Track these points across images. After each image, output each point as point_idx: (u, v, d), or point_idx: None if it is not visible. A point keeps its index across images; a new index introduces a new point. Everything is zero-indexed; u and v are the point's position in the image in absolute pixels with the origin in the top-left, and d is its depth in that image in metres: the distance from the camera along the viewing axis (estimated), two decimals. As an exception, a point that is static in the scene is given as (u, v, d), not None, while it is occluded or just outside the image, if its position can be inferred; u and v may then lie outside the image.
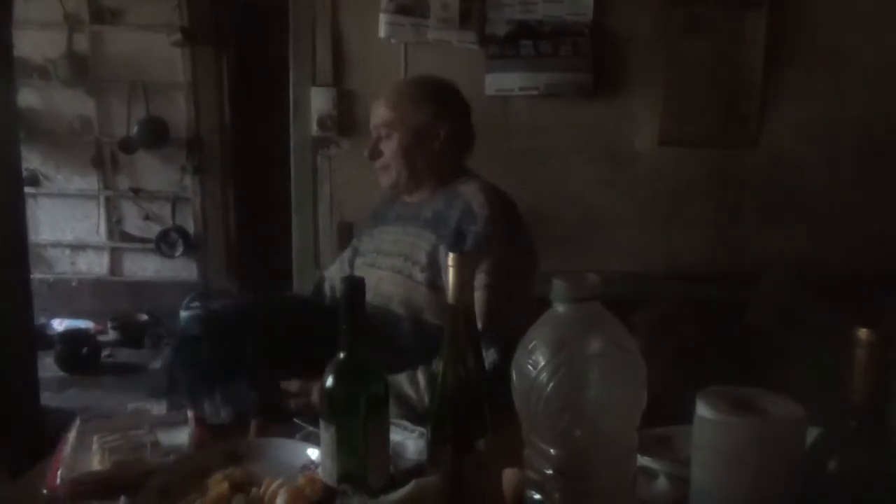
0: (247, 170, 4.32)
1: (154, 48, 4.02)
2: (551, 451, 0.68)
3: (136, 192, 4.24)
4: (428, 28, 2.33)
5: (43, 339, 3.53)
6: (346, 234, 2.47)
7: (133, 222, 4.30)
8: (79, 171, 4.23)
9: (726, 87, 2.35)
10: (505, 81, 2.37)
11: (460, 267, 0.76)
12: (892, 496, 0.68)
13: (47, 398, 2.90)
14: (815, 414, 0.74)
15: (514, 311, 1.25)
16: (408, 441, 1.03)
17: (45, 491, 0.95)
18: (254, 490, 0.89)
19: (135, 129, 4.08)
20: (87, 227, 4.30)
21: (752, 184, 2.42)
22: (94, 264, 4.35)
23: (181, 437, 1.08)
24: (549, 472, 0.69)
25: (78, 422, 1.11)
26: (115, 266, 4.35)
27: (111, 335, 4.05)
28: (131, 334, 4.03)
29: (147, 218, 4.28)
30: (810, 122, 2.36)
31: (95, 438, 1.04)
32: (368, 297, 1.43)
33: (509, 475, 0.83)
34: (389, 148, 1.47)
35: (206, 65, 4.11)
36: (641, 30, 2.36)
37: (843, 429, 0.71)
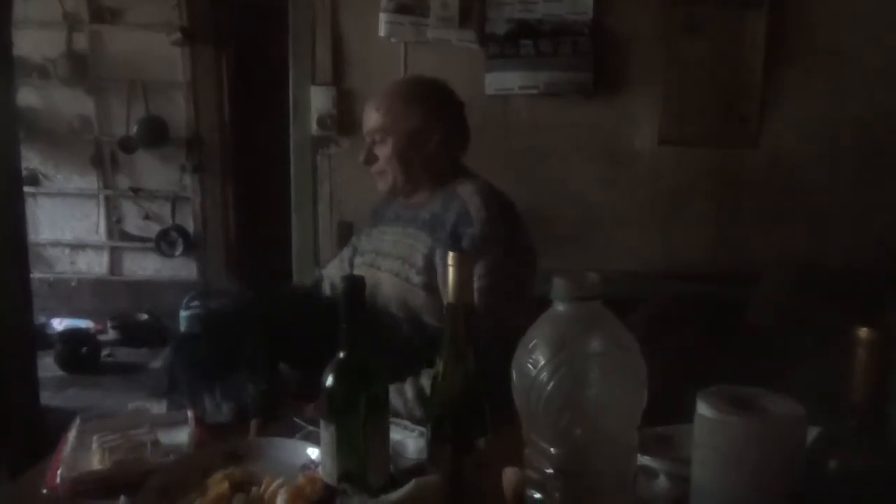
0: (246, 169, 4.32)
1: (154, 47, 4.02)
2: (551, 449, 0.68)
3: (136, 192, 4.24)
4: (428, 27, 2.33)
5: (43, 339, 3.53)
6: (345, 234, 2.47)
7: (133, 222, 4.30)
8: (78, 171, 4.23)
9: (726, 86, 2.35)
10: (505, 80, 2.37)
11: (460, 266, 0.76)
12: (893, 496, 0.68)
13: (47, 398, 2.90)
14: (815, 414, 0.74)
15: (512, 312, 1.25)
16: (408, 440, 1.03)
17: (44, 490, 0.95)
18: (254, 489, 0.89)
19: (134, 129, 4.08)
20: (87, 226, 4.30)
21: (752, 184, 2.42)
22: (94, 264, 4.35)
23: (181, 436, 1.08)
24: (550, 470, 0.69)
25: (78, 421, 1.11)
26: (114, 265, 4.35)
27: (111, 335, 4.05)
28: (131, 334, 4.03)
29: (147, 217, 4.28)
30: (810, 122, 2.36)
31: (95, 438, 1.04)
32: (369, 301, 1.44)
33: (509, 474, 0.83)
34: (384, 153, 1.46)
35: (206, 64, 4.11)
36: (641, 29, 2.36)
37: (843, 428, 0.71)
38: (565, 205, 2.44)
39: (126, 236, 4.32)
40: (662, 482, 0.89)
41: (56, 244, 4.32)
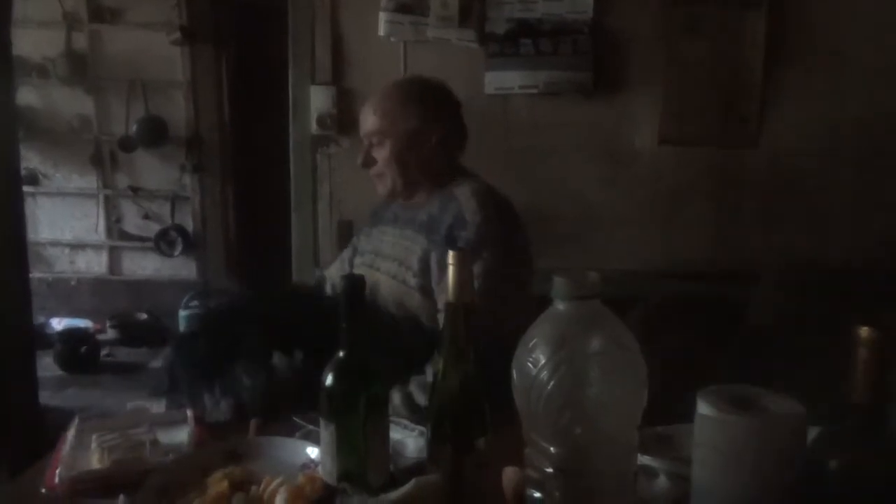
0: (246, 168, 4.32)
1: (153, 47, 4.02)
2: (551, 449, 0.68)
3: (136, 191, 4.24)
4: (427, 26, 2.33)
5: (42, 339, 3.53)
6: (345, 233, 2.47)
7: (132, 221, 4.30)
8: (78, 170, 4.22)
9: (726, 86, 2.35)
10: (505, 80, 2.37)
11: (460, 265, 0.75)
12: (893, 495, 0.68)
13: (46, 397, 2.90)
14: (815, 413, 0.74)
15: (508, 314, 1.24)
16: (408, 439, 1.03)
17: (43, 490, 0.94)
18: (253, 489, 0.89)
19: (134, 128, 4.08)
20: (87, 225, 4.29)
21: (751, 183, 2.42)
22: (94, 263, 4.35)
23: (180, 435, 1.08)
24: (550, 470, 0.69)
25: (77, 421, 1.11)
26: (114, 265, 4.35)
27: (110, 334, 4.05)
28: (130, 333, 4.03)
29: (146, 217, 4.27)
30: (810, 121, 2.36)
31: (94, 437, 1.04)
32: (369, 301, 1.43)
33: (509, 473, 0.83)
34: (382, 156, 1.46)
35: (206, 63, 4.10)
36: (641, 29, 2.36)
37: (843, 428, 0.71)
38: (565, 204, 2.44)
39: (125, 236, 4.32)
40: (662, 482, 0.89)
41: (55, 244, 4.32)
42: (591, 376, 0.67)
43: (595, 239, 2.44)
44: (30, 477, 0.99)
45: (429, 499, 0.74)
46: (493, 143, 2.34)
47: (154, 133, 4.08)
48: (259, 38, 4.04)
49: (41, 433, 2.44)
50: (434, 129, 1.46)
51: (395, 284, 1.43)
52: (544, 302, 0.72)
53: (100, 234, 4.30)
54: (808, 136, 2.37)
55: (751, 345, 1.92)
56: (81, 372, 3.63)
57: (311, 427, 1.05)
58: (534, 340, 0.69)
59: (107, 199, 4.27)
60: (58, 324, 4.03)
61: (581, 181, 2.44)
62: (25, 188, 3.28)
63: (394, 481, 0.83)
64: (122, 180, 4.25)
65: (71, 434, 1.07)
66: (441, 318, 1.34)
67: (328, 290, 1.62)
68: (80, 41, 4.07)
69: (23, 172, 2.96)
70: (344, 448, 0.83)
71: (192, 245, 4.26)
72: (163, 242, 4.24)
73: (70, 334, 3.81)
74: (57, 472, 0.96)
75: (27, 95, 4.01)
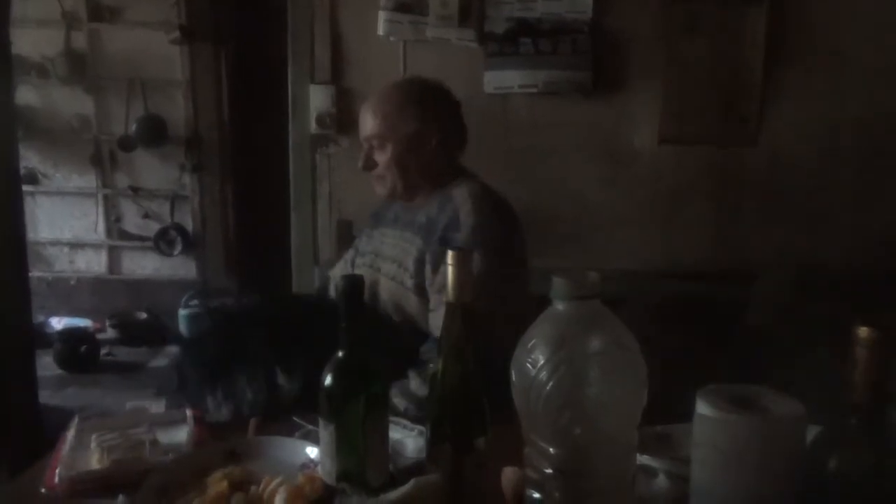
0: (246, 168, 4.31)
1: (152, 46, 4.01)
2: (551, 449, 0.68)
3: (135, 191, 4.24)
4: (427, 26, 2.33)
5: (42, 338, 3.52)
6: (344, 232, 2.47)
7: (132, 220, 4.30)
8: (77, 170, 4.22)
9: (726, 86, 2.35)
10: (504, 79, 2.37)
11: (459, 264, 0.75)
12: (893, 494, 0.68)
13: (46, 397, 2.89)
14: (815, 413, 0.74)
15: (502, 315, 1.24)
16: (407, 439, 1.03)
17: (43, 489, 0.94)
18: (253, 488, 0.89)
19: (133, 127, 4.07)
20: (86, 225, 4.29)
21: (751, 183, 2.42)
22: (93, 262, 4.35)
23: (180, 435, 1.08)
24: (549, 470, 0.69)
25: (76, 420, 1.11)
26: (113, 264, 4.35)
27: (110, 333, 4.04)
28: (130, 332, 4.03)
29: (146, 216, 4.27)
30: (810, 121, 2.36)
31: (94, 437, 1.04)
32: (368, 301, 1.44)
33: (509, 474, 0.83)
34: (383, 159, 1.45)
35: (205, 62, 4.10)
36: (641, 28, 2.35)
37: (843, 427, 0.71)
38: (565, 204, 2.44)
39: (125, 235, 4.31)
40: (662, 481, 0.89)
41: (55, 243, 4.32)
42: (590, 376, 0.67)
43: (595, 239, 2.44)
44: (29, 476, 0.99)
45: (428, 499, 0.74)
46: (493, 143, 2.34)
47: (153, 132, 4.08)
48: (258, 37, 4.04)
49: (41, 433, 2.44)
50: (434, 131, 1.45)
51: (394, 286, 1.43)
52: (544, 302, 0.72)
53: (99, 234, 4.29)
54: (808, 136, 2.37)
55: (750, 344, 1.92)
56: (81, 371, 3.63)
57: (310, 427, 1.05)
58: (533, 341, 0.69)
59: (106, 198, 4.26)
60: (57, 323, 4.03)
61: (581, 181, 2.44)
62: (25, 187, 3.27)
63: (393, 481, 0.83)
64: (122, 180, 4.24)
65: (70, 434, 1.08)
66: (432, 317, 1.34)
67: (332, 290, 1.62)
68: (80, 40, 4.06)
69: (22, 172, 2.96)
70: (343, 448, 0.83)
71: (191, 244, 4.26)
72: (162, 242, 4.24)
73: (70, 333, 3.81)
74: (56, 471, 0.96)
75: (26, 95, 4.00)
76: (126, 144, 4.09)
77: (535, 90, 2.36)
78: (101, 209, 4.27)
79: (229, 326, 1.34)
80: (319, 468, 0.88)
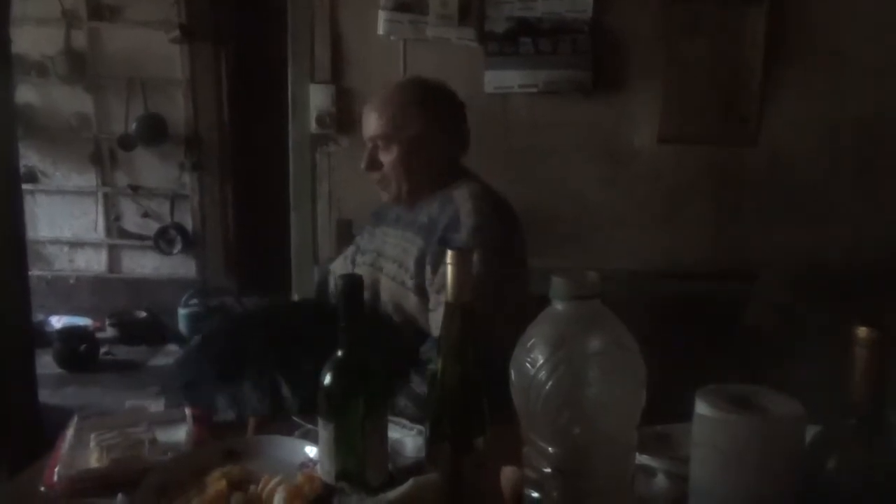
0: (245, 167, 4.32)
1: (152, 45, 4.01)
2: (550, 449, 0.68)
3: (135, 190, 4.24)
4: (427, 25, 2.33)
5: (41, 337, 3.53)
6: (344, 231, 2.47)
7: (131, 219, 4.30)
8: (77, 168, 4.22)
9: (726, 85, 2.35)
10: (504, 79, 2.36)
11: (459, 264, 0.75)
12: (892, 494, 0.68)
13: (46, 396, 2.89)
14: (814, 412, 0.74)
15: (502, 316, 1.24)
16: (406, 439, 1.03)
17: (42, 488, 0.94)
18: (252, 488, 0.89)
19: (133, 126, 4.08)
20: (86, 224, 4.29)
21: (751, 183, 2.42)
22: (93, 261, 4.35)
23: (179, 434, 1.08)
24: (548, 470, 0.68)
25: (75, 419, 1.11)
26: (113, 263, 4.35)
27: (109, 332, 4.04)
28: (130, 331, 4.03)
29: (145, 215, 4.27)
30: (810, 121, 2.36)
31: (93, 436, 1.04)
32: (367, 298, 1.44)
33: (508, 473, 0.83)
34: (388, 160, 1.45)
35: (205, 62, 4.10)
36: (641, 28, 2.35)
37: (842, 427, 0.71)
38: (565, 204, 2.44)
39: (125, 234, 4.31)
40: (661, 481, 0.89)
41: (55, 242, 4.32)
42: (589, 376, 0.67)
43: (594, 238, 2.43)
44: (29, 475, 0.99)
45: (427, 498, 0.74)
46: (493, 143, 2.34)
47: (153, 131, 4.08)
48: (258, 36, 4.04)
49: (40, 432, 2.44)
50: (440, 132, 1.45)
51: (394, 286, 1.43)
52: (544, 302, 0.72)
53: (99, 233, 4.29)
54: (808, 136, 2.37)
55: (750, 344, 1.92)
56: (80, 370, 3.63)
57: (309, 426, 1.05)
58: (532, 340, 0.69)
59: (106, 197, 4.26)
60: (57, 322, 4.03)
61: (580, 181, 2.44)
62: (24, 186, 3.27)
63: (392, 480, 0.83)
64: (122, 178, 4.25)
65: (70, 433, 1.08)
66: (432, 316, 1.34)
67: (332, 285, 1.62)
68: (80, 39, 4.07)
69: (22, 170, 2.96)
70: (342, 447, 0.83)
71: (191, 243, 4.26)
72: (162, 241, 4.24)
73: (69, 332, 3.81)
74: (56, 470, 0.96)
75: (26, 93, 4.00)
76: (126, 143, 4.09)
77: (535, 90, 2.36)
78: (100, 208, 4.27)
79: (236, 330, 1.34)
80: (318, 467, 0.88)
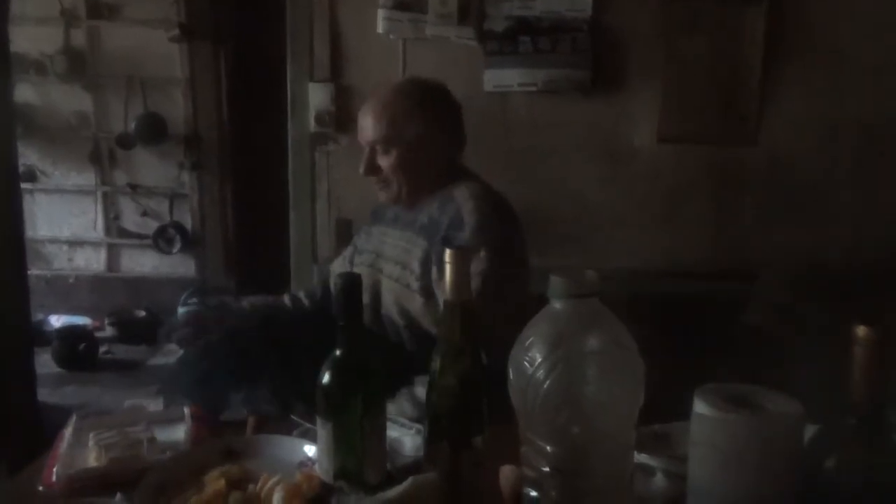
0: (245, 166, 4.31)
1: (152, 44, 4.01)
2: (548, 448, 0.68)
3: (134, 189, 4.23)
4: (426, 24, 2.32)
5: (40, 336, 3.52)
6: (344, 230, 2.47)
7: (131, 218, 4.29)
8: (76, 167, 4.21)
9: (725, 84, 2.35)
10: (503, 77, 2.36)
11: (457, 263, 0.75)
12: (891, 493, 0.68)
13: (45, 395, 2.89)
14: (813, 412, 0.74)
15: (507, 314, 1.24)
16: (405, 438, 1.02)
17: (41, 487, 0.94)
18: (250, 487, 0.89)
19: (132, 125, 4.07)
20: (85, 223, 4.29)
21: (751, 181, 2.42)
22: (92, 260, 4.34)
23: (178, 433, 1.08)
24: (546, 469, 0.68)
25: (74, 418, 1.11)
26: (112, 262, 4.34)
27: (109, 331, 4.04)
28: (129, 330, 4.03)
29: (145, 214, 4.26)
30: (809, 119, 2.36)
31: (92, 435, 1.04)
32: (367, 300, 1.44)
33: (507, 472, 0.83)
34: (388, 163, 1.44)
35: (204, 61, 4.09)
36: (640, 26, 2.35)
37: (841, 426, 0.71)
38: (565, 203, 2.44)
39: (124, 233, 4.31)
40: (659, 480, 0.89)
41: (54, 241, 4.31)
42: (588, 375, 0.67)
43: (594, 238, 2.43)
44: (28, 475, 0.99)
45: (426, 497, 0.74)
46: (493, 142, 2.34)
47: (153, 130, 4.07)
48: (258, 35, 4.03)
49: (40, 431, 2.44)
50: (439, 133, 1.45)
51: (398, 287, 1.43)
52: (543, 301, 0.72)
53: (98, 232, 4.29)
54: (808, 134, 2.37)
55: (749, 344, 1.92)
56: (80, 369, 3.62)
57: (308, 425, 1.05)
58: (530, 339, 0.69)
59: (105, 196, 4.26)
60: (56, 321, 4.02)
61: (580, 180, 2.44)
62: (23, 185, 3.27)
63: (391, 479, 0.83)
64: (121, 177, 4.24)
65: (68, 432, 1.07)
66: None
67: (332, 286, 1.62)
68: (79, 38, 4.06)
69: (21, 169, 2.96)
70: (341, 446, 0.83)
71: (190, 242, 4.25)
72: (161, 240, 4.23)
73: (68, 331, 3.80)
74: (54, 469, 0.96)
75: (25, 92, 3.99)
76: (125, 142, 4.09)
77: (534, 89, 2.36)
78: (99, 207, 4.26)
79: (238, 331, 1.35)
80: (317, 466, 0.88)
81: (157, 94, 4.10)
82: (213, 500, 0.87)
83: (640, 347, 0.69)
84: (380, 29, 2.35)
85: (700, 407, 0.74)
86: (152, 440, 1.03)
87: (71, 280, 4.32)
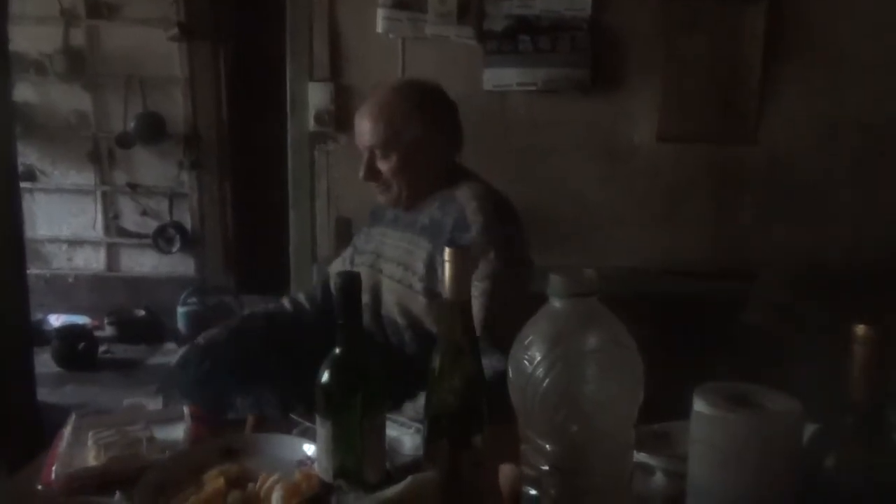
0: (244, 165, 4.31)
1: (151, 43, 4.00)
2: (547, 446, 0.68)
3: (133, 188, 4.23)
4: (426, 23, 2.32)
5: (40, 335, 3.52)
6: (343, 230, 2.47)
7: (130, 218, 4.29)
8: (75, 167, 4.21)
9: (725, 82, 2.35)
10: (503, 77, 2.36)
11: (456, 262, 0.75)
12: (891, 493, 0.68)
13: (44, 394, 2.89)
14: (813, 411, 0.74)
15: (512, 316, 1.24)
16: (404, 436, 1.02)
17: (40, 486, 0.94)
18: (250, 486, 0.89)
19: (132, 125, 4.07)
20: (84, 222, 4.28)
21: (750, 180, 2.42)
22: (91, 260, 4.34)
23: (177, 432, 1.08)
24: (546, 467, 0.68)
25: (73, 417, 1.11)
26: (111, 261, 4.34)
27: (108, 331, 4.04)
28: (128, 330, 4.03)
29: (144, 213, 4.26)
30: (809, 118, 2.36)
31: (91, 434, 1.04)
32: (367, 301, 1.44)
33: (506, 471, 0.83)
34: (388, 167, 1.43)
35: (204, 60, 4.09)
36: (640, 25, 2.35)
37: (841, 425, 0.71)
38: (565, 203, 2.44)
39: (123, 232, 4.31)
40: (659, 479, 0.89)
41: (53, 240, 4.31)
42: (587, 374, 0.67)
43: (594, 237, 2.43)
44: (27, 474, 0.99)
45: (425, 496, 0.74)
46: (492, 141, 2.34)
47: (152, 129, 4.07)
48: (257, 34, 4.03)
49: (39, 430, 2.44)
50: (437, 134, 1.44)
51: (400, 288, 1.42)
52: (542, 299, 0.72)
53: (97, 231, 4.29)
54: (808, 133, 2.37)
55: (749, 343, 1.92)
56: (79, 369, 3.62)
57: (307, 424, 1.05)
58: (530, 338, 0.69)
59: (104, 195, 4.26)
60: (55, 320, 4.02)
61: (580, 179, 2.44)
62: (23, 185, 3.27)
63: (390, 478, 0.83)
64: (120, 177, 4.24)
65: (68, 431, 1.07)
66: None
67: (333, 287, 1.62)
68: (78, 37, 4.05)
69: (20, 169, 2.96)
70: (340, 445, 0.83)
71: (190, 242, 4.25)
72: (161, 239, 4.23)
73: (68, 331, 3.80)
74: (53, 468, 0.96)
75: (24, 92, 3.99)
76: (124, 141, 4.09)
77: (533, 88, 2.36)
78: (99, 206, 4.26)
79: (238, 331, 1.35)
80: (316, 465, 0.88)
81: (157, 94, 4.10)
82: (212, 498, 0.87)
83: (639, 346, 0.69)
84: (379, 28, 2.35)
85: (700, 406, 0.74)
86: (151, 439, 1.03)
87: (70, 279, 4.32)
